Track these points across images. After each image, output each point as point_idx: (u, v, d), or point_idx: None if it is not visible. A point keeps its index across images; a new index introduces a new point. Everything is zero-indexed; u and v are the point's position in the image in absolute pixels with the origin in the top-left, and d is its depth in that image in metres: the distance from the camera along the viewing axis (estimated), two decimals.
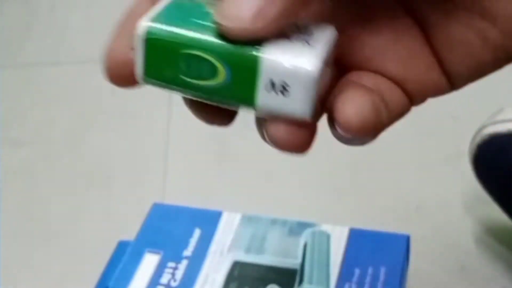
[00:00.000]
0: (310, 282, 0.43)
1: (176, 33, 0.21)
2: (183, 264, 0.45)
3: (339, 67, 0.24)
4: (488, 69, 0.24)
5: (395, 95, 0.24)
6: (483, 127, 0.49)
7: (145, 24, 0.22)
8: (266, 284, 0.43)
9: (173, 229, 0.47)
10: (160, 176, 0.60)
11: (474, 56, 0.23)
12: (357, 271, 0.44)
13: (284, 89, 0.21)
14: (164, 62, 0.22)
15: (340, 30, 0.24)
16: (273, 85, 0.21)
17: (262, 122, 0.23)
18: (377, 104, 0.22)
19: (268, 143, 0.23)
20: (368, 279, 0.43)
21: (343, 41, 0.24)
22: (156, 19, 0.22)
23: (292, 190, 0.57)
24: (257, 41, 0.21)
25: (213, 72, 0.21)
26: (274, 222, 0.47)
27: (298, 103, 0.21)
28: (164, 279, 0.44)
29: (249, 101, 0.22)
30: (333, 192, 0.56)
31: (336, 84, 0.24)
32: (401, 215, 0.54)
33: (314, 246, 0.45)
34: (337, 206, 0.55)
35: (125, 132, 0.65)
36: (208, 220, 0.47)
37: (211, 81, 0.22)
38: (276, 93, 0.21)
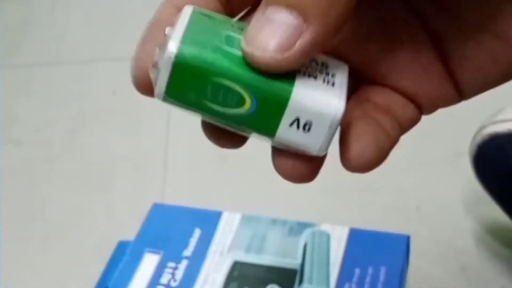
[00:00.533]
0: (310, 282, 0.43)
1: (205, 60, 0.21)
2: (183, 264, 0.45)
3: (355, 79, 0.25)
4: (498, 83, 0.25)
5: (407, 110, 0.25)
6: (483, 127, 0.49)
7: (174, 45, 0.21)
8: (266, 284, 0.43)
9: (173, 229, 0.47)
10: (160, 176, 0.60)
11: (486, 72, 0.24)
12: (357, 271, 0.44)
13: (307, 127, 0.22)
14: (189, 86, 0.21)
15: (358, 44, 0.25)
16: (297, 121, 0.22)
17: (272, 148, 0.24)
18: (380, 141, 0.24)
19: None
20: (368, 279, 0.43)
21: (361, 56, 0.25)
22: (185, 41, 0.21)
23: (292, 190, 0.57)
24: (285, 74, 0.21)
25: (239, 101, 0.21)
26: (274, 222, 0.47)
27: (317, 141, 0.22)
28: (164, 279, 0.44)
29: (269, 132, 0.22)
30: (333, 192, 0.56)
31: (348, 100, 0.24)
32: (401, 215, 0.54)
33: (314, 246, 0.45)
34: (337, 206, 0.55)
35: (125, 132, 0.65)
36: (208, 220, 0.47)
37: (235, 110, 0.22)
38: (298, 128, 0.22)
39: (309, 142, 0.22)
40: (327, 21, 0.21)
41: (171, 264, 0.45)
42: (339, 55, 0.25)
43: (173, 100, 0.22)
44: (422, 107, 0.25)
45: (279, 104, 0.21)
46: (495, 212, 0.50)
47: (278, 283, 0.43)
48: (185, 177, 0.60)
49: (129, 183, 0.61)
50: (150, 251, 0.46)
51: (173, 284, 0.44)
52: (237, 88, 0.21)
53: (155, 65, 0.22)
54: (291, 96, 0.21)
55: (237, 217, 0.48)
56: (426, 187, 0.56)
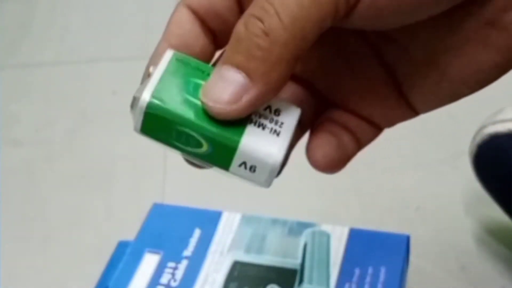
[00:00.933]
0: (310, 282, 0.43)
1: (170, 112, 0.26)
2: (183, 264, 0.45)
3: (322, 101, 0.30)
4: (448, 102, 0.29)
5: (365, 130, 0.29)
6: (483, 127, 0.49)
7: (146, 97, 0.26)
8: (266, 284, 0.43)
9: (173, 229, 0.47)
10: (160, 176, 0.60)
11: (434, 96, 0.28)
12: (357, 271, 0.44)
13: (252, 169, 0.27)
14: (158, 129, 0.26)
15: (321, 75, 0.29)
16: (244, 164, 0.26)
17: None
18: (341, 147, 0.29)
19: None
20: (368, 279, 0.43)
21: (323, 84, 0.30)
22: (156, 92, 0.26)
23: (292, 190, 0.57)
24: (237, 122, 0.26)
25: (198, 144, 0.26)
26: (274, 222, 0.47)
27: (262, 179, 0.27)
28: (164, 279, 0.44)
29: (224, 168, 0.27)
30: (333, 192, 0.56)
31: (317, 117, 0.29)
32: (401, 215, 0.54)
33: (314, 246, 0.45)
34: (337, 206, 0.55)
35: (125, 132, 0.65)
36: (208, 220, 0.47)
37: (195, 149, 0.27)
38: (245, 169, 0.27)
39: (255, 179, 0.27)
40: (269, 82, 0.25)
41: (171, 264, 0.45)
42: (306, 83, 0.30)
43: (146, 135, 0.27)
44: (380, 126, 0.30)
45: (229, 151, 0.26)
46: (495, 212, 0.50)
47: (278, 283, 0.43)
48: (185, 177, 0.60)
49: (129, 183, 0.61)
50: (150, 251, 0.46)
51: (173, 284, 0.44)
52: (196, 135, 0.26)
53: (133, 105, 0.26)
54: (239, 146, 0.26)
55: (237, 217, 0.48)
56: (426, 187, 0.56)
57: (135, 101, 0.26)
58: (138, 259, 0.45)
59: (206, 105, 0.26)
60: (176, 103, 0.26)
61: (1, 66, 0.75)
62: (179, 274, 0.44)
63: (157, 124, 0.26)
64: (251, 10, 0.25)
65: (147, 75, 0.27)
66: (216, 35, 0.28)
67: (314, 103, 0.30)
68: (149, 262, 0.45)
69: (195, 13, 0.28)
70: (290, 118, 0.27)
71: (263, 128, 0.27)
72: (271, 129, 0.27)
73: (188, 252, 0.46)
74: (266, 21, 0.24)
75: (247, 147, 0.26)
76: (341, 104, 0.29)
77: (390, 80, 0.29)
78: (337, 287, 0.43)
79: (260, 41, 0.24)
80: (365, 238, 0.46)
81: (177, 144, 0.27)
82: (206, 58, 0.28)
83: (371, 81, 0.29)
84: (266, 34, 0.24)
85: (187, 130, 0.26)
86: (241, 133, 0.26)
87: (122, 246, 0.48)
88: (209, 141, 0.26)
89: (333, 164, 0.29)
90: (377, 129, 0.30)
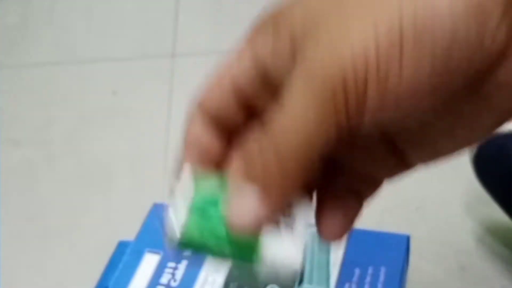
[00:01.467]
0: (310, 282, 0.43)
1: (198, 244, 0.30)
2: (183, 264, 0.45)
3: (334, 166, 0.32)
4: (446, 158, 0.31)
5: (368, 186, 0.33)
6: None
7: (176, 235, 0.30)
8: (266, 284, 0.43)
9: None
10: (160, 177, 0.60)
11: (432, 157, 0.32)
12: (357, 271, 0.44)
13: (276, 273, 0.29)
14: (189, 249, 0.30)
15: (335, 150, 0.31)
16: (267, 268, 0.29)
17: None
18: (348, 214, 0.32)
19: None
20: (368, 279, 0.43)
21: (339, 156, 0.32)
22: (184, 230, 0.30)
23: None
24: (255, 236, 0.29)
25: (224, 259, 0.30)
26: None
27: (287, 278, 0.29)
28: (164, 279, 0.44)
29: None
30: None
31: (321, 179, 0.32)
32: (401, 215, 0.54)
33: (314, 246, 0.45)
34: None
35: (125, 132, 0.65)
36: None
37: (223, 261, 0.30)
38: (269, 273, 0.30)
39: (280, 279, 0.31)
40: (283, 198, 0.28)
41: (171, 264, 0.45)
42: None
43: (182, 250, 0.31)
44: (382, 180, 0.33)
45: (251, 264, 0.30)
46: (495, 212, 0.50)
47: (278, 283, 0.43)
48: None
49: (129, 183, 0.61)
50: (150, 251, 0.46)
51: (173, 284, 0.44)
52: (221, 256, 0.30)
53: (167, 239, 0.30)
54: (259, 261, 0.29)
55: None
56: (426, 187, 0.56)
57: (168, 238, 0.30)
58: (138, 259, 0.45)
59: (228, 222, 0.29)
60: (201, 231, 0.30)
61: (0, 66, 0.75)
62: (179, 274, 0.44)
63: (188, 249, 0.30)
64: (262, 136, 0.28)
65: (172, 190, 0.32)
66: (229, 132, 0.32)
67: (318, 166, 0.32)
68: (149, 262, 0.45)
69: (208, 116, 0.31)
70: (302, 219, 0.30)
71: (279, 233, 0.30)
72: (287, 231, 0.30)
73: (188, 252, 0.46)
74: (277, 148, 0.27)
75: (267, 260, 0.29)
76: (346, 168, 0.32)
77: (390, 147, 0.31)
78: (337, 287, 0.43)
79: (273, 168, 0.27)
80: (365, 238, 0.46)
81: (207, 254, 0.31)
82: (220, 156, 0.32)
83: (373, 149, 0.31)
84: (278, 161, 0.27)
85: (213, 254, 0.30)
86: (259, 246, 0.30)
87: (122, 246, 0.48)
88: (233, 258, 0.30)
89: (341, 235, 0.31)
90: (379, 183, 0.33)
